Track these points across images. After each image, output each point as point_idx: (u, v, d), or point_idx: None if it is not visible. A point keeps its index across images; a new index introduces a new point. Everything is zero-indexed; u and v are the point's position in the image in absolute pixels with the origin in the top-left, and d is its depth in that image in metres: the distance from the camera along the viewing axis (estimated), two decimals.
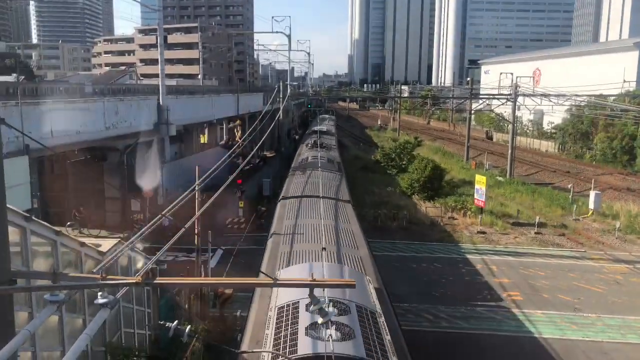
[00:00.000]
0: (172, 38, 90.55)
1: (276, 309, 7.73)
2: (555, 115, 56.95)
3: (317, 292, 11.47)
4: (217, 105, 43.45)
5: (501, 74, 65.88)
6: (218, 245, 23.21)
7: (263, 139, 29.79)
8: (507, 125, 51.96)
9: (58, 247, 8.39)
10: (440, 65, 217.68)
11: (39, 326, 5.79)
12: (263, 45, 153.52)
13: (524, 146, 61.10)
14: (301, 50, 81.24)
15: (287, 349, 6.44)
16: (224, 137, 56.15)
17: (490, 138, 73.54)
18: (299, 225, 13.34)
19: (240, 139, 40.87)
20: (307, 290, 7.86)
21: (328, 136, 42.19)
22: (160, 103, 31.70)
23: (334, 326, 6.52)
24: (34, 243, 7.63)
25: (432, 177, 35.45)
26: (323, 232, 11.98)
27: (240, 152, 32.71)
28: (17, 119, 18.82)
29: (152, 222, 9.63)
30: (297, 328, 6.79)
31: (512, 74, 55.93)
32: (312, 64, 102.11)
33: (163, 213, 11.87)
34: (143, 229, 8.83)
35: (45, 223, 8.11)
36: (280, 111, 41.79)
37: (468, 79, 75.93)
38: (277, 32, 62.55)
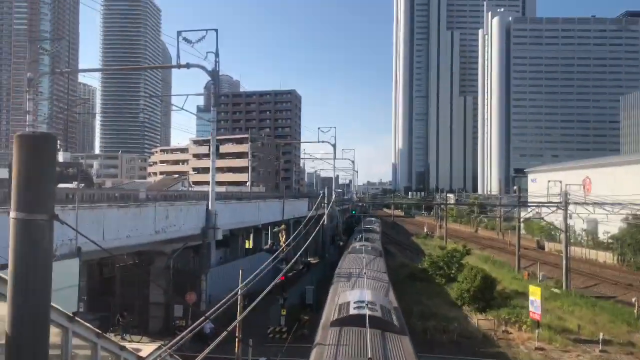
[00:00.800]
0: (224, 148, 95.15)
1: (337, 305, 15.82)
2: (610, 225, 54.61)
3: (359, 281, 22.60)
4: (264, 210, 44.21)
5: (549, 181, 64.80)
6: (258, 355, 22.30)
7: (307, 244, 29.67)
8: (560, 234, 50.09)
9: (98, 350, 8.50)
10: (485, 173, 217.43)
11: None
12: (309, 154, 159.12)
13: (579, 257, 58.21)
14: (346, 159, 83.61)
15: (343, 314, 14.26)
16: (269, 241, 56.44)
17: (542, 247, 70.69)
18: (351, 283, 22.27)
19: (284, 244, 41.00)
20: (356, 295, 16.93)
21: (373, 233, 52.53)
22: (209, 208, 32.48)
23: (367, 309, 13.77)
24: (75, 345, 7.62)
25: (482, 287, 33.92)
26: (365, 283, 20.19)
27: (284, 257, 32.56)
28: (72, 223, 19.57)
29: (192, 326, 9.43)
30: (349, 309, 14.55)
31: (560, 182, 54.93)
32: (357, 172, 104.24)
33: (205, 316, 11.75)
34: (183, 333, 8.93)
35: (88, 324, 8.30)
36: (325, 217, 42.03)
37: (515, 187, 75.00)
38: (322, 141, 64.84)
